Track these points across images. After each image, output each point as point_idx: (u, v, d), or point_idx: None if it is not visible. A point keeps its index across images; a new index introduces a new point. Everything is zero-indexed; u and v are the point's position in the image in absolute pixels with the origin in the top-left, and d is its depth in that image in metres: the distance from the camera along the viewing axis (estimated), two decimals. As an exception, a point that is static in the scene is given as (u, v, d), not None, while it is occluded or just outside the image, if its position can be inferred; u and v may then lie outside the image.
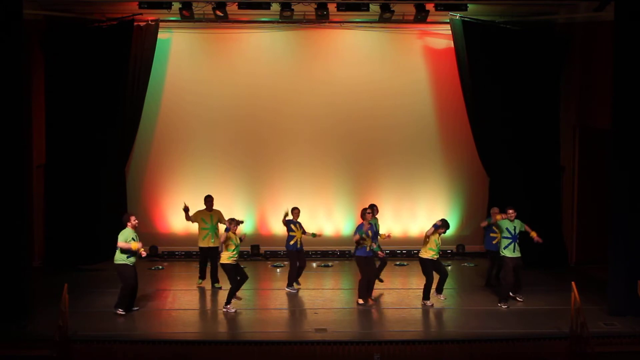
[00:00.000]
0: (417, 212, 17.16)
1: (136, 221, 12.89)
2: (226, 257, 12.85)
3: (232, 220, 12.97)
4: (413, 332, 12.01)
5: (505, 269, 13.26)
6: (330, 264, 16.58)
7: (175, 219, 17.09)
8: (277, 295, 13.96)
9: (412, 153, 17.37)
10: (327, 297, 14.04)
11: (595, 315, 12.22)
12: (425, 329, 12.34)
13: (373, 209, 13.89)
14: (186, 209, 14.27)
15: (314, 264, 16.76)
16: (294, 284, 14.37)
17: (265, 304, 13.36)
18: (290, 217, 14.29)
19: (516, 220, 13.21)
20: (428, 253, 13.26)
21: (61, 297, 11.02)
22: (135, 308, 12.92)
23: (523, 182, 16.12)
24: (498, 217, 13.54)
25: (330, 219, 17.06)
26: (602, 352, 10.81)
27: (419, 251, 13.56)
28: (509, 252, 13.16)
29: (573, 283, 11.35)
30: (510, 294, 13.41)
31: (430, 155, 17.42)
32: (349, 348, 11.17)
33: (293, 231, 14.23)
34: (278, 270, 16.29)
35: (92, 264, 16.04)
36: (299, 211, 14.43)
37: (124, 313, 12.64)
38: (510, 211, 13.22)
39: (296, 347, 11.22)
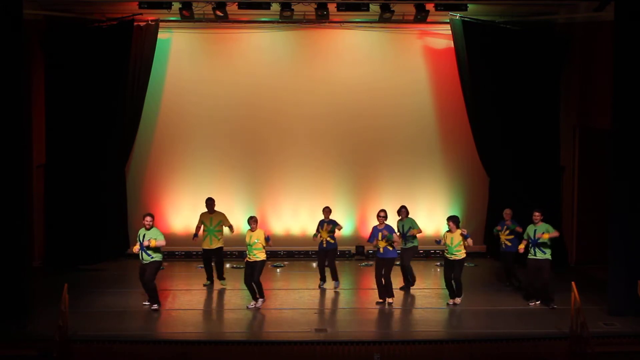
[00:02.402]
0: (417, 212, 17.08)
1: (146, 221, 12.79)
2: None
3: (250, 218, 13.10)
4: (413, 332, 12.02)
5: (527, 271, 13.35)
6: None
7: (175, 219, 17.11)
8: (277, 295, 13.96)
9: (412, 153, 17.38)
10: (327, 297, 14.03)
11: (595, 315, 12.21)
12: (425, 329, 12.32)
13: (401, 210, 14.04)
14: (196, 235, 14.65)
15: (314, 264, 16.77)
16: (321, 282, 14.57)
17: (266, 304, 13.33)
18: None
19: (542, 225, 12.99)
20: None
21: (61, 297, 11.01)
22: (145, 303, 13.02)
23: (523, 182, 16.13)
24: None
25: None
26: (602, 352, 10.80)
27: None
28: (530, 254, 13.10)
29: (573, 283, 11.35)
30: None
31: (430, 155, 17.43)
32: (349, 348, 11.16)
33: (319, 231, 14.39)
34: (278, 270, 16.29)
35: (92, 264, 16.05)
36: (328, 210, 14.46)
37: (153, 307, 12.80)
38: (536, 214, 13.07)
39: (296, 347, 11.21)
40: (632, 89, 12.39)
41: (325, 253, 14.42)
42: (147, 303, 12.97)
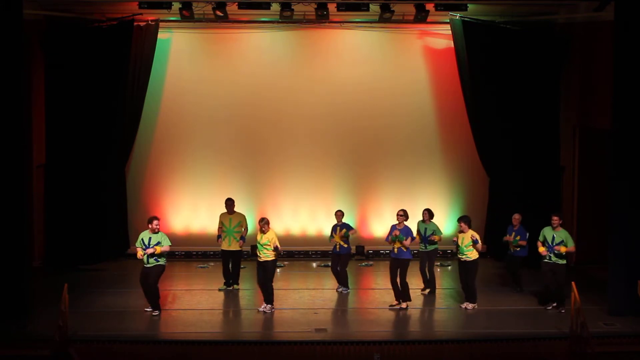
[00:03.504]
0: (417, 212, 17.07)
1: (154, 225, 12.49)
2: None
3: (261, 219, 12.92)
4: (413, 332, 12.03)
5: (541, 274, 13.09)
6: (330, 263, 16.55)
7: (175, 219, 17.11)
8: (277, 295, 13.90)
9: (412, 153, 17.39)
10: (327, 297, 14.03)
11: (595, 315, 12.21)
12: (425, 329, 12.34)
13: (424, 213, 13.97)
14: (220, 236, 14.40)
15: (314, 264, 16.79)
16: (342, 288, 14.29)
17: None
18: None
19: (561, 231, 12.71)
20: None
21: (61, 297, 11.00)
22: (147, 309, 12.83)
23: (523, 182, 16.14)
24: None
25: (330, 219, 16.94)
26: (602, 352, 10.80)
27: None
28: (545, 258, 12.86)
29: (573, 283, 11.34)
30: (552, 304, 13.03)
31: (430, 155, 17.43)
32: (349, 348, 11.16)
33: (332, 236, 14.25)
34: (278, 270, 16.26)
35: (92, 264, 16.05)
36: (341, 214, 14.26)
37: (154, 313, 12.61)
38: (555, 218, 12.77)
39: (296, 347, 11.20)
40: (632, 89, 12.39)
41: (338, 257, 14.24)
42: (149, 309, 12.77)
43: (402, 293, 13.05)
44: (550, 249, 12.74)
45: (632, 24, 12.39)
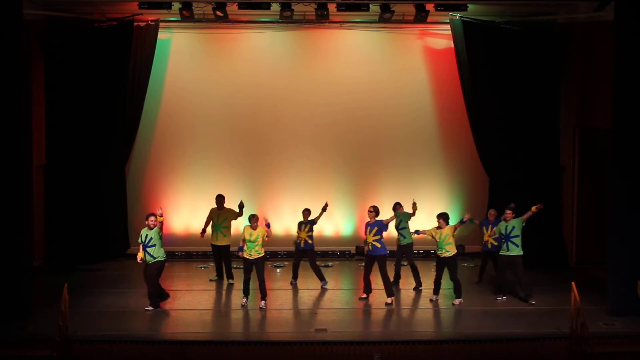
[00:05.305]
0: (417, 212, 17.14)
1: (150, 221, 12.72)
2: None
3: (251, 216, 13.16)
4: (413, 332, 12.02)
5: (498, 266, 13.75)
6: (330, 264, 16.59)
7: (175, 219, 17.10)
8: (277, 295, 13.95)
9: (412, 153, 17.39)
10: (327, 297, 14.04)
11: (595, 315, 12.21)
12: (425, 329, 12.33)
13: (395, 206, 14.42)
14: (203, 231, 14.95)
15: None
16: (292, 280, 14.83)
17: (266, 303, 13.34)
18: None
19: (513, 220, 13.22)
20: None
21: (61, 297, 11.01)
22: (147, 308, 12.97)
23: (523, 182, 16.13)
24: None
25: (330, 219, 17.03)
26: (602, 352, 10.80)
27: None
28: (502, 251, 13.39)
29: (573, 283, 11.34)
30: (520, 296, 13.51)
31: (430, 155, 17.43)
32: (349, 348, 11.16)
33: (298, 231, 14.63)
34: (278, 270, 16.30)
35: (92, 264, 16.05)
36: (308, 212, 14.64)
37: (147, 308, 12.82)
38: (508, 212, 13.31)
39: (296, 347, 11.21)
40: (632, 89, 12.38)
41: (302, 253, 14.60)
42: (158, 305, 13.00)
43: (385, 289, 13.34)
44: (506, 239, 13.21)
45: (632, 24, 12.39)
